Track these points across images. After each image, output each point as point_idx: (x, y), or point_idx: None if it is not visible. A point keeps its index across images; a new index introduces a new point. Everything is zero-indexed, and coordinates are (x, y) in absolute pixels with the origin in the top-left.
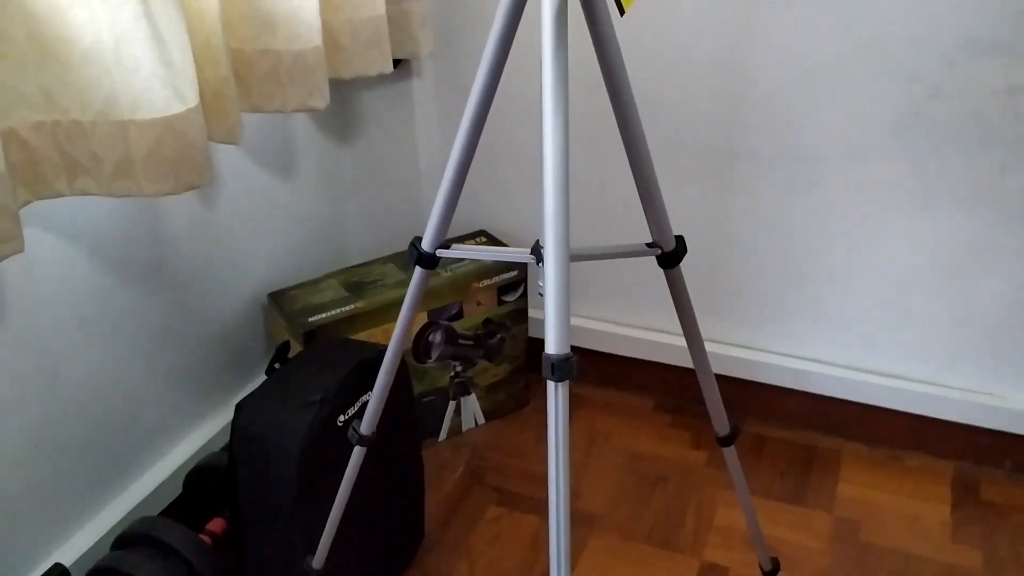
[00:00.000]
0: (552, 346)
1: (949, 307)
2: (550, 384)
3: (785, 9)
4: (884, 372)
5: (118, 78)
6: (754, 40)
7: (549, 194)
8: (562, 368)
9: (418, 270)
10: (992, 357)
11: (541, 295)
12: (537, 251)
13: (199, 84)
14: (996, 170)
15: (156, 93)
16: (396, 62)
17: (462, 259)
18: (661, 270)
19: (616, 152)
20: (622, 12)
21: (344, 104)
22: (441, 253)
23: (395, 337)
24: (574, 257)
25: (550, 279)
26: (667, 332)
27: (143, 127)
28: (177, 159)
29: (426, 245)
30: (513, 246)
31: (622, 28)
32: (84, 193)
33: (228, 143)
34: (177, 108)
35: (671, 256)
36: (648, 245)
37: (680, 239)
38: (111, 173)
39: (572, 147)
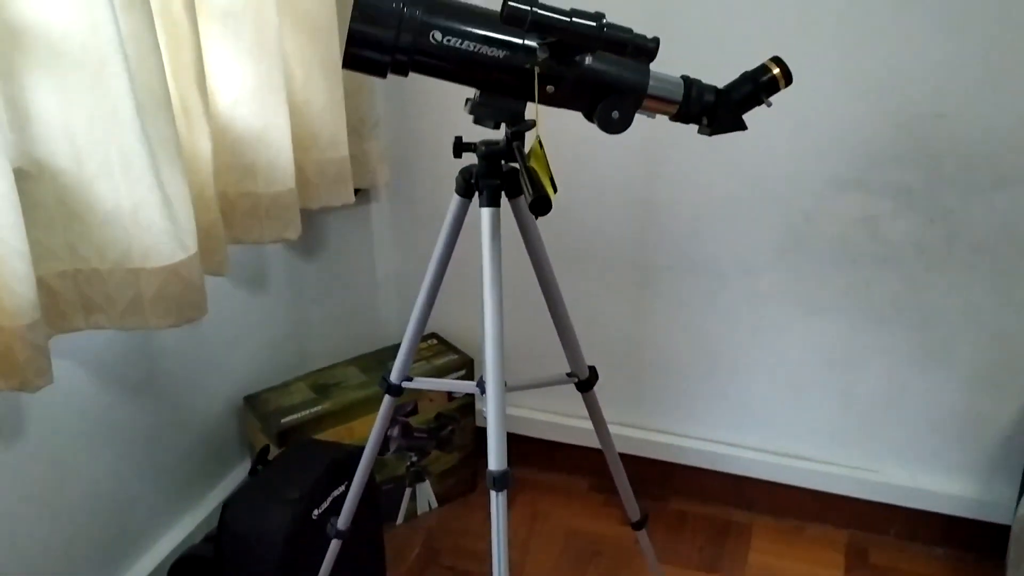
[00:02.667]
0: (493, 463)
1: (834, 396)
2: (492, 493)
3: (684, 152)
4: (784, 452)
5: (134, 235)
6: (660, 177)
7: (489, 346)
8: (501, 480)
9: (387, 398)
10: (871, 438)
11: (485, 418)
12: (481, 384)
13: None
14: (863, 282)
15: (164, 245)
16: (357, 190)
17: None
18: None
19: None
20: (536, 216)
21: (310, 226)
22: (406, 385)
23: (367, 453)
24: (510, 389)
25: (490, 410)
26: (577, 417)
27: (152, 273)
28: (180, 298)
29: (394, 378)
30: (460, 346)
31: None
32: (98, 327)
33: (216, 275)
34: (181, 256)
35: (585, 383)
36: (568, 375)
37: (592, 369)
38: (123, 311)
39: (510, 299)
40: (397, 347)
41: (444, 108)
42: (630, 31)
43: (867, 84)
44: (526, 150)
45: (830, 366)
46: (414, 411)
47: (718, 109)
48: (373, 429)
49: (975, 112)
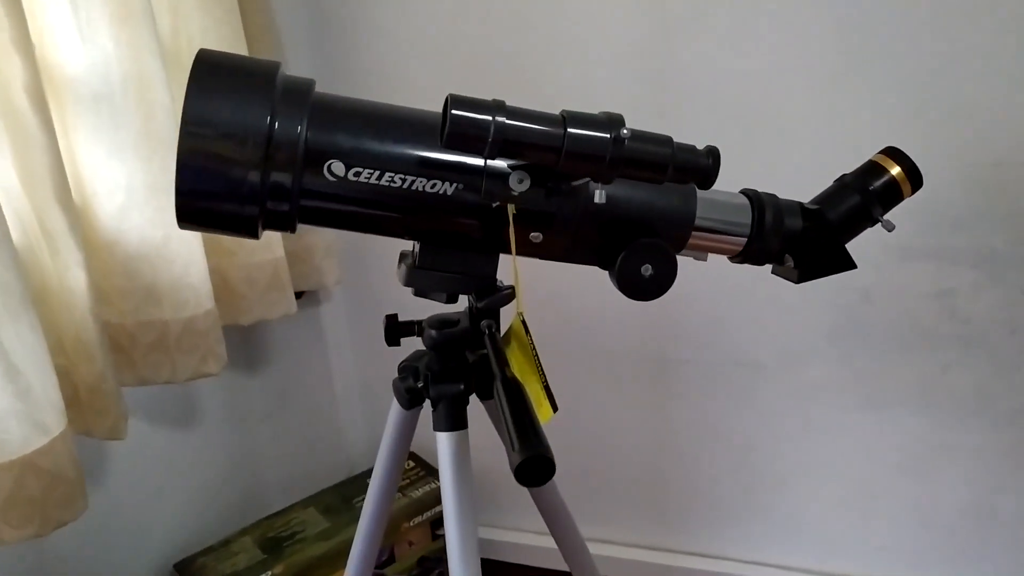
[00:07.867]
0: None
1: (908, 507)
2: None
3: None
4: (846, 575)
5: None
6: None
7: None
8: None
9: None
10: (960, 556)
11: None
12: None
13: (73, 383)
14: (938, 369)
15: (12, 433)
16: (300, 294)
17: None
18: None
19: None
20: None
21: (249, 336)
22: None
23: None
24: None
25: None
26: (590, 540)
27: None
28: (42, 498)
29: None
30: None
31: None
32: None
33: (111, 439)
34: (39, 442)
35: None
36: None
37: None
38: None
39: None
40: (365, 476)
41: None
42: (669, 142)
43: (933, 128)
44: (502, 333)
45: (901, 471)
46: (390, 560)
47: (809, 239)
48: None
49: None
